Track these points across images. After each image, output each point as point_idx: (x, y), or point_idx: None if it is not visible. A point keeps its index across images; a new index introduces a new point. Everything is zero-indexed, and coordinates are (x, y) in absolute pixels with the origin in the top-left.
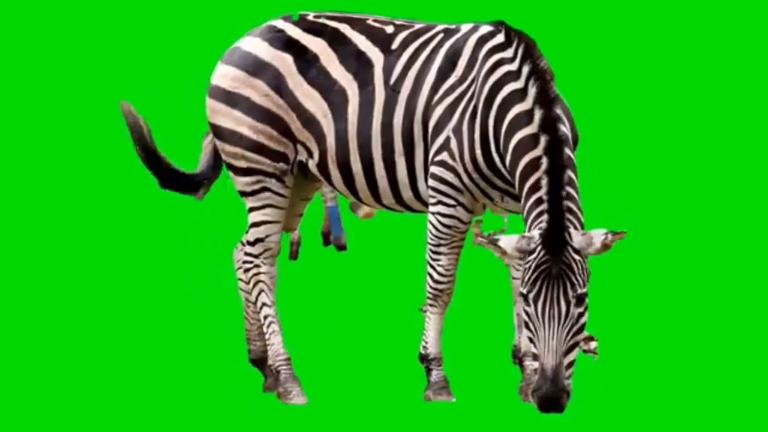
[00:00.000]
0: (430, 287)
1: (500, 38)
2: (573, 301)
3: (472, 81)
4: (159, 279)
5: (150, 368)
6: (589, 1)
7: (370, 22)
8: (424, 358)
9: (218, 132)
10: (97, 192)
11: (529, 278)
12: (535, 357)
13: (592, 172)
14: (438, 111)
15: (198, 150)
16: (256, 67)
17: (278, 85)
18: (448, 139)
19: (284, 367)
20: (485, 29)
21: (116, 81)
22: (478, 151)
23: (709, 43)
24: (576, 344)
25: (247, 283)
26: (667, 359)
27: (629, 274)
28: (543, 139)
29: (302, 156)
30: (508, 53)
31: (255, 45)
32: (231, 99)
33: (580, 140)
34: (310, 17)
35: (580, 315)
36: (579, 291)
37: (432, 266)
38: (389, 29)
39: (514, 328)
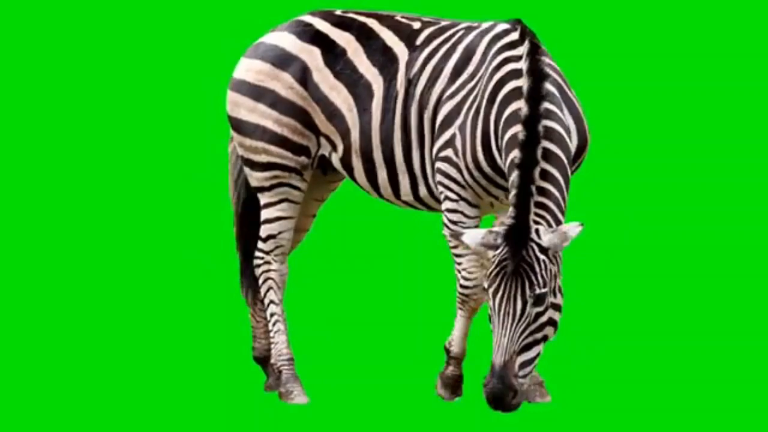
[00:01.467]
0: (458, 291)
1: (513, 36)
2: (530, 300)
3: (481, 78)
4: (162, 277)
5: (152, 367)
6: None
7: (398, 18)
8: (447, 351)
9: (239, 126)
10: (102, 190)
11: (491, 273)
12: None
13: (597, 171)
14: (447, 107)
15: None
16: (283, 60)
17: (304, 77)
18: (453, 135)
19: (286, 367)
20: (501, 27)
21: (126, 80)
22: (479, 149)
23: (708, 41)
24: (534, 343)
25: (257, 279)
26: (664, 359)
27: (627, 273)
28: (521, 135)
29: (325, 150)
30: (517, 52)
31: (282, 38)
32: (256, 92)
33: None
34: (338, 12)
35: (539, 314)
36: (538, 291)
37: (457, 270)
38: (416, 25)
39: None
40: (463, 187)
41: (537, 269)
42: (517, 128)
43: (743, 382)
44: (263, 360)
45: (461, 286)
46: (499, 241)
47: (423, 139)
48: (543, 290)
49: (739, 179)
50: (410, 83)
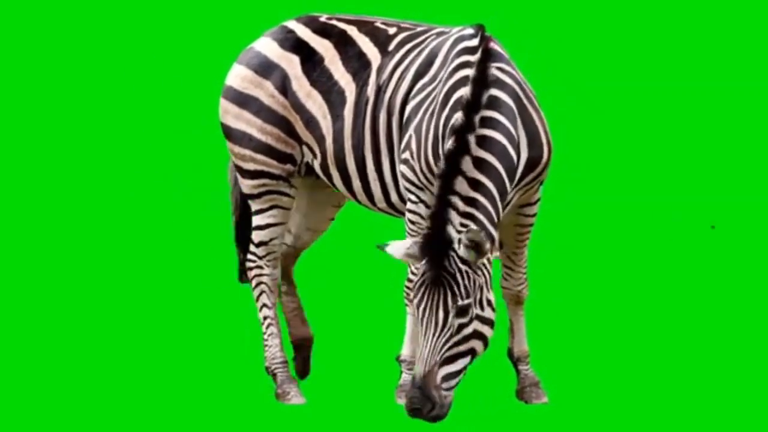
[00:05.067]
0: (405, 286)
1: (474, 42)
2: (453, 311)
3: (439, 81)
4: (162, 277)
5: (144, 367)
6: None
7: (377, 24)
8: (397, 359)
9: (228, 132)
10: (104, 192)
11: (416, 284)
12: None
13: (584, 171)
14: (407, 110)
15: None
16: (265, 67)
17: (284, 85)
18: (410, 137)
19: (280, 370)
20: (466, 32)
21: (129, 82)
22: (430, 152)
23: (702, 41)
24: (460, 354)
25: (250, 281)
26: (660, 358)
27: (620, 274)
28: (449, 144)
29: (308, 157)
30: (473, 58)
31: (266, 45)
32: (241, 99)
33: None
34: (323, 19)
35: (463, 325)
36: (460, 302)
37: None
38: (392, 31)
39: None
40: (420, 189)
41: (459, 280)
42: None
43: (738, 379)
44: (298, 348)
45: (408, 279)
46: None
47: (392, 144)
48: (466, 301)
49: (728, 178)
50: (380, 89)
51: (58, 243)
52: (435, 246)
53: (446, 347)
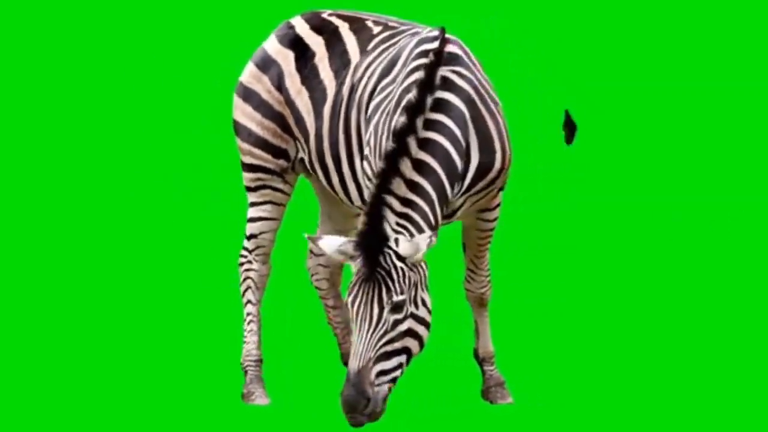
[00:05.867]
0: None
1: (433, 44)
2: (387, 307)
3: (398, 83)
4: (175, 281)
5: (118, 367)
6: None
7: (368, 22)
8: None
9: (235, 127)
10: (106, 192)
11: (351, 282)
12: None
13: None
14: (370, 108)
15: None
16: (265, 63)
17: (279, 81)
18: (370, 134)
19: (252, 368)
20: (430, 34)
21: (145, 82)
22: (382, 152)
23: (698, 41)
24: (395, 352)
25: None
26: (628, 358)
27: (587, 274)
28: (388, 145)
29: (302, 153)
30: (427, 60)
31: (269, 41)
32: (246, 94)
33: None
34: (324, 15)
35: (397, 321)
36: (395, 298)
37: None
38: (376, 30)
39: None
40: None
41: (394, 276)
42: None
43: (701, 372)
44: None
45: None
46: (358, 251)
47: (363, 143)
48: (401, 297)
49: (706, 179)
50: (353, 88)
51: (55, 238)
52: (370, 242)
53: (381, 343)
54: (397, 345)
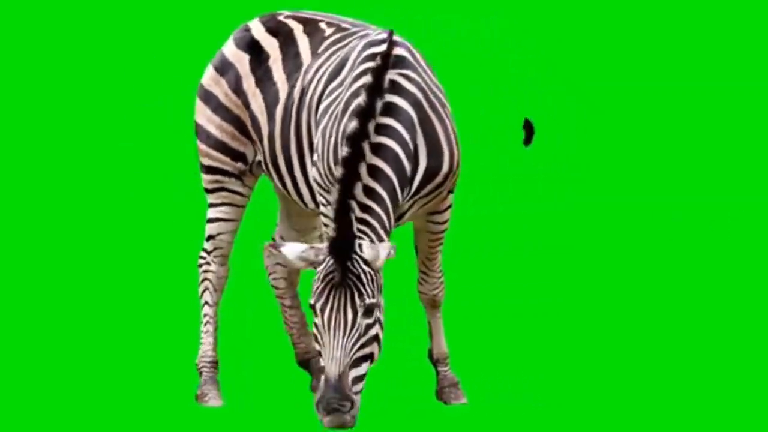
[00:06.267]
0: None
1: (381, 47)
2: (360, 311)
3: (345, 87)
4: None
5: (72, 369)
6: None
7: (322, 24)
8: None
9: (195, 129)
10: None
11: (317, 288)
12: (321, 370)
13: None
14: (320, 112)
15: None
16: (223, 66)
17: (237, 84)
18: (318, 139)
19: (207, 369)
20: (377, 36)
21: (126, 82)
22: (331, 157)
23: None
24: (366, 357)
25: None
26: (581, 357)
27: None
28: (344, 151)
29: (259, 156)
30: (375, 64)
31: (227, 44)
32: (206, 97)
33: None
34: (281, 17)
35: (369, 326)
36: (368, 301)
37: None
38: (329, 32)
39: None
40: (327, 191)
41: (364, 280)
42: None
43: (648, 370)
44: (305, 363)
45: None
46: (321, 257)
47: (312, 146)
48: (372, 300)
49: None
50: (303, 91)
51: (49, 237)
52: (341, 248)
53: (355, 348)
54: (366, 350)
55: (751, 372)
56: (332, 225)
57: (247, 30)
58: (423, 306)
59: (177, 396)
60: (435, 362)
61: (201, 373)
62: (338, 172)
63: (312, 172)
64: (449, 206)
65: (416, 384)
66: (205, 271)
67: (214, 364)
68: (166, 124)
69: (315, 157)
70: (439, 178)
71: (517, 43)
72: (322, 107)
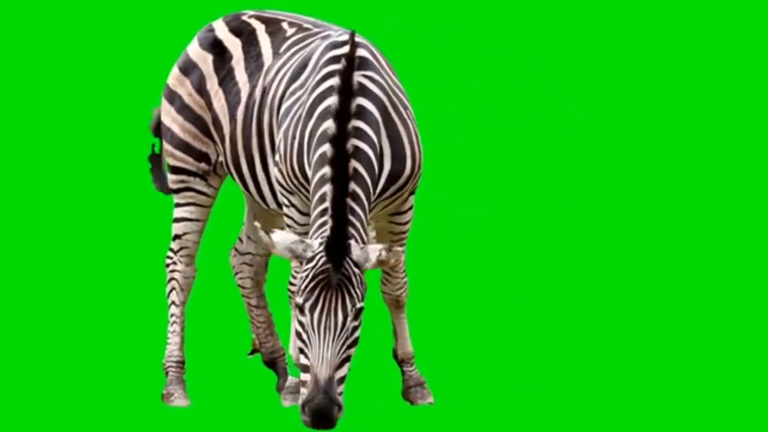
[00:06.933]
0: (288, 288)
1: (344, 49)
2: (351, 314)
3: (307, 88)
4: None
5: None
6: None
7: (284, 23)
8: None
9: (162, 129)
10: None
11: (307, 287)
12: (305, 369)
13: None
14: (281, 113)
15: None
16: (187, 66)
17: (200, 85)
18: (280, 140)
19: (173, 369)
20: (339, 37)
21: (91, 82)
22: (295, 159)
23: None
24: (348, 359)
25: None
26: (545, 357)
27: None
28: (329, 152)
29: (222, 156)
30: (340, 66)
31: (191, 44)
32: (171, 97)
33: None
34: (245, 17)
35: (355, 329)
36: (358, 305)
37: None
38: (290, 32)
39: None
40: (290, 192)
41: (354, 282)
42: (326, 146)
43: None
44: (271, 363)
45: (290, 283)
46: (310, 253)
47: (274, 146)
48: (361, 304)
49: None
50: (264, 91)
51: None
52: (337, 249)
53: (342, 350)
54: (351, 352)
55: (732, 373)
56: (330, 224)
57: (211, 30)
58: (387, 306)
59: (143, 396)
60: (400, 362)
61: (167, 372)
62: (328, 172)
63: (274, 172)
64: (411, 207)
65: (382, 384)
66: (172, 271)
67: (181, 363)
68: (135, 124)
69: (277, 158)
70: (401, 180)
71: (480, 42)
72: (283, 108)
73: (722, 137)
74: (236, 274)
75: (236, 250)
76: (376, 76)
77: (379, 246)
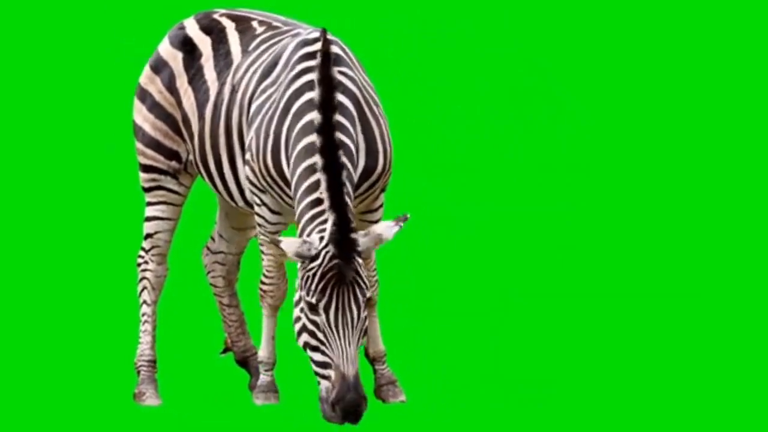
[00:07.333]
0: (260, 287)
1: (316, 46)
2: (363, 306)
3: (280, 85)
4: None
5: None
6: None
7: (254, 22)
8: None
9: (133, 128)
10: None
11: (317, 286)
12: (325, 366)
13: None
14: (251, 111)
15: None
16: (157, 64)
17: (170, 83)
18: (251, 139)
19: (145, 368)
20: (309, 35)
21: (70, 82)
22: (269, 156)
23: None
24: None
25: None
26: (517, 355)
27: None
28: (318, 142)
29: (191, 155)
30: (315, 62)
31: (162, 42)
32: (142, 95)
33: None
34: (216, 15)
35: (365, 318)
36: (367, 294)
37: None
38: (260, 30)
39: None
40: (262, 191)
41: (362, 273)
42: (312, 137)
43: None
44: (244, 362)
45: (261, 281)
46: (313, 251)
47: (244, 144)
48: (369, 293)
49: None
50: (233, 89)
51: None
52: (345, 244)
53: (359, 343)
54: (363, 341)
55: (732, 373)
56: (334, 219)
57: (182, 28)
58: None
59: (115, 395)
60: (372, 360)
61: (139, 372)
62: (318, 161)
63: (245, 171)
64: (381, 205)
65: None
66: (144, 270)
67: (153, 363)
68: (108, 122)
69: (248, 156)
70: (374, 177)
71: (450, 39)
72: (254, 106)
73: (722, 137)
74: (208, 273)
75: (208, 248)
76: (351, 72)
77: (390, 222)
